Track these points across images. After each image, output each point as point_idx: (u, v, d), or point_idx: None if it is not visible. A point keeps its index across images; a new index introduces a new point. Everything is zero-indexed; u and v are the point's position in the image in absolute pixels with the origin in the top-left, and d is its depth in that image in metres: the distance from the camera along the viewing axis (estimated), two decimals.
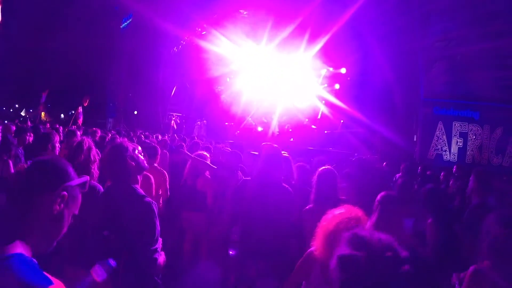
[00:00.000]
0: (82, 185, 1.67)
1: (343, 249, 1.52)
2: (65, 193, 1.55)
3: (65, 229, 1.60)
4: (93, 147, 3.92)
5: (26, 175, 1.54)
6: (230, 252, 4.74)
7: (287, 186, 4.01)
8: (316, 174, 4.20)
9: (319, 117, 21.87)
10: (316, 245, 2.73)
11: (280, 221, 3.73)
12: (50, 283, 1.37)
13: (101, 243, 2.93)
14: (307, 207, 4.07)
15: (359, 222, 2.58)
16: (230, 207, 4.74)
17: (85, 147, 3.81)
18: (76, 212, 1.65)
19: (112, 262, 2.16)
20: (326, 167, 4.38)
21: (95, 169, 3.82)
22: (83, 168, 3.68)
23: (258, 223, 3.72)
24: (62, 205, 1.54)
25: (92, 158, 3.80)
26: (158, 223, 2.98)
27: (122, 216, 2.88)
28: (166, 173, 5.92)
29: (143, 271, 2.93)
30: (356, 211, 2.68)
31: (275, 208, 3.18)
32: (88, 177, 1.72)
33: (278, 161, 3.96)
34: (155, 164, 5.79)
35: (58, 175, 1.58)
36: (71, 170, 1.64)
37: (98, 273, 2.06)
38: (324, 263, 2.64)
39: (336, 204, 4.00)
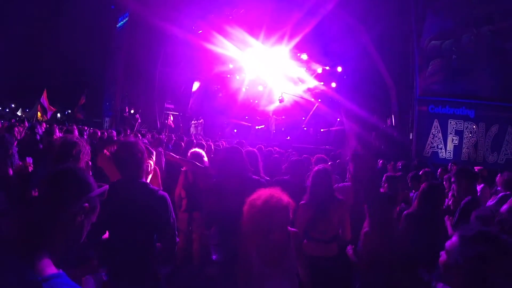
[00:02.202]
0: (102, 194, 1.69)
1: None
2: (86, 204, 1.57)
3: (84, 237, 1.62)
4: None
5: (49, 188, 1.55)
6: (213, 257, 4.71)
7: (257, 178, 4.05)
8: (312, 173, 4.35)
9: (310, 115, 21.94)
10: (249, 230, 2.65)
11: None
12: None
13: (118, 240, 2.96)
14: (301, 202, 4.21)
15: (280, 199, 2.59)
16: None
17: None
18: (94, 220, 1.66)
19: (104, 276, 2.17)
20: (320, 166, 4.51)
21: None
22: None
23: (226, 217, 3.72)
24: (83, 215, 1.57)
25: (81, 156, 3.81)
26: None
27: (141, 210, 2.94)
28: (157, 169, 5.89)
29: (172, 254, 3.21)
30: (275, 190, 2.68)
31: (240, 199, 3.22)
32: (108, 185, 1.73)
33: (238, 157, 3.98)
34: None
35: (80, 187, 1.59)
36: (92, 180, 1.65)
37: (88, 284, 2.07)
38: (259, 243, 2.64)
39: (331, 201, 4.14)
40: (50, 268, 1.38)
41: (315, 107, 22.02)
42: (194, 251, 5.74)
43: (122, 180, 3.18)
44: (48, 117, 17.93)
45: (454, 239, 1.72)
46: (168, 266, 5.25)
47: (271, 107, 22.41)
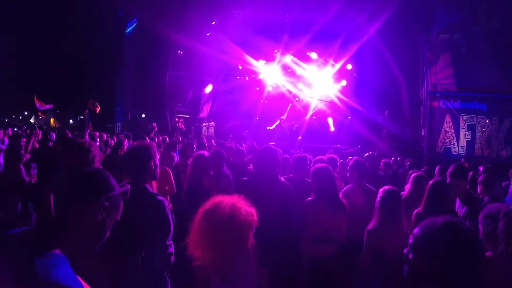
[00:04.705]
0: (124, 193, 1.74)
1: None
2: (107, 203, 1.61)
3: (107, 235, 1.66)
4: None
5: (70, 186, 1.59)
6: None
7: (284, 180, 4.12)
8: (312, 171, 4.42)
9: (309, 115, 21.88)
10: (206, 252, 2.06)
11: (276, 215, 3.78)
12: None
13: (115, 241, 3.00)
14: (308, 199, 4.29)
15: (248, 211, 2.10)
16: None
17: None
18: (118, 218, 1.72)
19: None
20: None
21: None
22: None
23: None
24: (104, 214, 1.60)
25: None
26: (171, 219, 3.12)
27: (137, 214, 2.92)
28: (169, 170, 5.83)
29: (160, 265, 3.07)
30: (238, 199, 2.16)
31: (271, 202, 3.16)
32: (129, 185, 1.79)
33: (273, 159, 4.04)
34: None
35: (100, 186, 1.63)
36: (112, 180, 1.69)
37: None
38: (218, 260, 2.09)
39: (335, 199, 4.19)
40: (55, 250, 1.44)
41: (314, 108, 22.02)
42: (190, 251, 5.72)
43: (125, 183, 3.20)
44: (44, 116, 17.87)
45: (417, 233, 1.69)
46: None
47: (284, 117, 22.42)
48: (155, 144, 5.37)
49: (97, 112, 18.29)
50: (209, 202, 2.13)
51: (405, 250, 1.73)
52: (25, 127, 17.67)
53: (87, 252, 1.61)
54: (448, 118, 13.99)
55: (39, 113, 18.90)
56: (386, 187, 3.95)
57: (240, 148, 7.97)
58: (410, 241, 1.71)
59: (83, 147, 3.79)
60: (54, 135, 10.89)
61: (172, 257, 3.17)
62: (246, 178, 4.30)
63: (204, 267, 2.07)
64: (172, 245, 3.16)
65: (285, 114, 22.64)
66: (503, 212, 2.63)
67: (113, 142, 9.41)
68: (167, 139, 11.35)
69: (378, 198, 3.89)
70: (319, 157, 6.62)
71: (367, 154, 7.20)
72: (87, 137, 7.91)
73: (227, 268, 2.12)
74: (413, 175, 5.13)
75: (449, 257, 1.58)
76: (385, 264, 3.73)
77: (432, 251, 1.61)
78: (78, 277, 1.45)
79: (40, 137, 10.05)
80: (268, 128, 23.28)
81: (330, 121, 22.23)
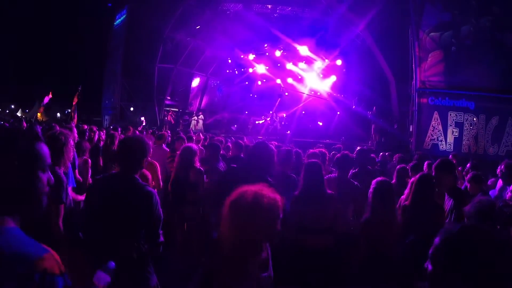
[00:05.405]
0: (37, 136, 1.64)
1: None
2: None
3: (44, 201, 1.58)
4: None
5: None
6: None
7: (270, 179, 4.05)
8: (303, 166, 4.41)
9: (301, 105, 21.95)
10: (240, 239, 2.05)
11: None
12: (46, 250, 1.43)
13: (107, 230, 3.00)
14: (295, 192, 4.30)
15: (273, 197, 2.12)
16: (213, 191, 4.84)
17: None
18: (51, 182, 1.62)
19: (111, 264, 2.16)
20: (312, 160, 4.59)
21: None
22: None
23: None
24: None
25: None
26: (160, 209, 3.14)
27: (128, 203, 2.98)
28: (156, 163, 5.87)
29: (152, 254, 3.14)
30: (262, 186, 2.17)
31: None
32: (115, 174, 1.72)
33: (266, 156, 4.02)
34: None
35: (32, 158, 1.54)
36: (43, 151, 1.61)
37: (100, 279, 2.04)
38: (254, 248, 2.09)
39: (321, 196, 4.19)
40: (6, 223, 1.44)
41: (302, 101, 22.09)
42: (193, 243, 5.65)
43: (114, 174, 3.26)
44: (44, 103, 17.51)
45: (437, 242, 1.52)
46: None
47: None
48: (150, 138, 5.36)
49: (74, 103, 18.06)
50: (234, 193, 2.17)
51: (426, 264, 1.57)
52: (12, 120, 17.40)
53: (31, 216, 1.56)
54: (436, 115, 14.10)
55: (41, 108, 18.67)
56: (379, 178, 3.97)
57: (239, 141, 7.97)
58: (430, 251, 1.55)
59: (53, 136, 3.84)
60: (40, 128, 10.80)
61: (161, 246, 3.20)
62: (235, 166, 4.29)
63: (240, 256, 2.07)
64: (162, 233, 3.18)
65: (274, 109, 22.66)
66: (498, 209, 2.63)
67: (103, 135, 9.31)
68: (157, 132, 11.26)
69: (370, 189, 3.90)
70: (311, 150, 6.63)
71: (358, 148, 7.25)
72: (74, 130, 7.80)
73: (260, 254, 2.16)
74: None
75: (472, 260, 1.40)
76: (378, 255, 3.75)
77: (451, 253, 1.46)
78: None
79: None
80: (257, 122, 23.27)
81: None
